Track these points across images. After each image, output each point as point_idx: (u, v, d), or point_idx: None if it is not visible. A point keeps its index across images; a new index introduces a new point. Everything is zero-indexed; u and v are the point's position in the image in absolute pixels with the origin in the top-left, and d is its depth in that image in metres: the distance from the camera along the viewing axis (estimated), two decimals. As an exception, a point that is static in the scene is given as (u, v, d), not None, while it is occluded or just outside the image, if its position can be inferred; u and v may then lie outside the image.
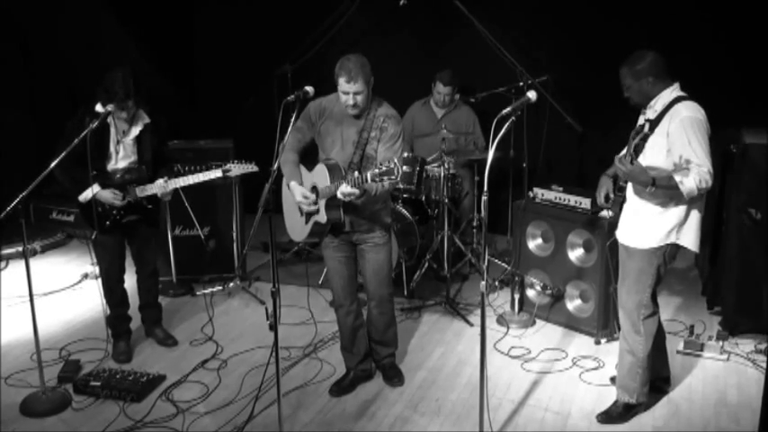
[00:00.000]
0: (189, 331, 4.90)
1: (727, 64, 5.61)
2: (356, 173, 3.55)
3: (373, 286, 4.06)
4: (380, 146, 3.80)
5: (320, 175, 3.79)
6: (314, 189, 3.83)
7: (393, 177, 3.35)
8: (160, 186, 4.35)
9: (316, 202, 3.79)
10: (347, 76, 3.67)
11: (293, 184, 3.83)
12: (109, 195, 4.24)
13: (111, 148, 4.28)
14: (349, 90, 3.69)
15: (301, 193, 3.79)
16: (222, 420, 3.84)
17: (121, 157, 4.32)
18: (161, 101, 4.80)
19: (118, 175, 4.30)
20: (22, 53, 6.87)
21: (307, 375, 4.32)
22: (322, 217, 3.81)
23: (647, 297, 3.67)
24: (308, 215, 3.91)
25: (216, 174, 4.60)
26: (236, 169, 4.64)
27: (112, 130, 4.25)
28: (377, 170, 3.39)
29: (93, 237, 4.39)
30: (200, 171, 4.59)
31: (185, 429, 3.78)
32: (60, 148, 3.89)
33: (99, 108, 4.08)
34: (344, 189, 3.55)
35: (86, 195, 4.22)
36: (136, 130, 4.31)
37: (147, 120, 4.34)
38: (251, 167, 4.67)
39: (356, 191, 3.53)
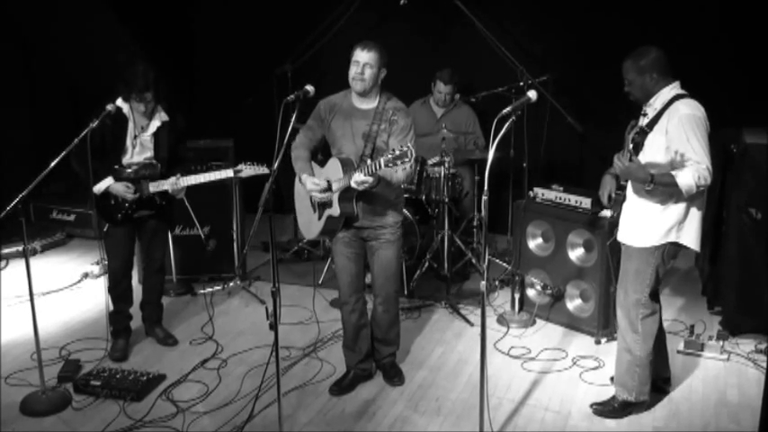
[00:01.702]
0: (189, 331, 4.90)
1: (729, 63, 5.60)
2: (369, 161, 3.57)
3: (380, 282, 4.05)
4: (392, 139, 3.80)
5: (333, 169, 3.81)
6: (327, 183, 3.84)
7: (407, 160, 3.36)
8: (172, 183, 4.36)
9: (328, 189, 3.79)
10: (363, 45, 3.75)
11: (304, 176, 3.85)
12: (121, 189, 4.28)
13: (128, 143, 4.31)
14: (360, 59, 3.73)
15: (312, 182, 3.80)
16: (222, 420, 3.84)
17: (137, 152, 4.35)
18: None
19: (131, 169, 4.32)
20: (22, 53, 6.87)
21: (306, 375, 4.32)
22: (335, 210, 3.81)
23: (646, 297, 3.66)
24: (321, 210, 3.91)
25: (227, 174, 4.61)
26: (248, 170, 4.64)
27: (131, 124, 4.29)
28: (389, 155, 3.40)
29: (105, 229, 4.43)
30: (203, 171, 4.59)
31: (185, 429, 3.77)
32: (76, 144, 3.91)
33: (119, 102, 4.17)
34: (358, 177, 3.57)
35: (100, 187, 4.27)
36: (154, 126, 4.35)
37: (165, 117, 4.38)
38: (262, 169, 4.66)
39: (370, 178, 3.55)
